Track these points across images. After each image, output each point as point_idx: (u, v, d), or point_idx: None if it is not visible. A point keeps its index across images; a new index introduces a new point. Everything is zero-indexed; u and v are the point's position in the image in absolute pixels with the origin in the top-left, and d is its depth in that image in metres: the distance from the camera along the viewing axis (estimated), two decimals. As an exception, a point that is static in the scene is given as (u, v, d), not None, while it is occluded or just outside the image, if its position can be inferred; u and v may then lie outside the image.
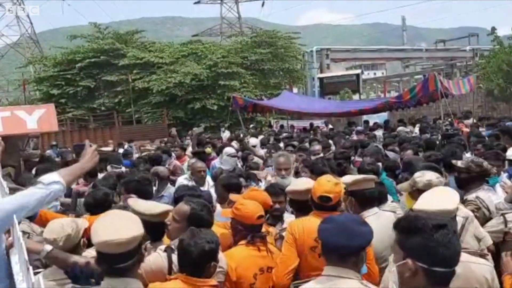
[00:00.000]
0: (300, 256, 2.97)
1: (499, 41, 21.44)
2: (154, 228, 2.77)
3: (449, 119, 12.82)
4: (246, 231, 2.95)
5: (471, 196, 3.59)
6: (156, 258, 2.55)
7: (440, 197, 2.56)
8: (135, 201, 3.04)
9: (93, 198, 3.62)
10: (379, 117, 16.71)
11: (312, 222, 2.96)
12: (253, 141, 9.20)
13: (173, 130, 15.71)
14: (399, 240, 1.79)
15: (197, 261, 2.34)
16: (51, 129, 7.44)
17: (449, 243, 1.69)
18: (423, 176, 3.28)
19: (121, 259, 2.00)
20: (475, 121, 13.37)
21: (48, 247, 2.40)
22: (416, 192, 3.30)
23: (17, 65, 40.73)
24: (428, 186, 3.18)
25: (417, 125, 12.86)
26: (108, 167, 6.84)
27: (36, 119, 6.43)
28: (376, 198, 3.43)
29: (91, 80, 25.76)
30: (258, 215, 2.92)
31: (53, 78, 25.92)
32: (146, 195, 3.95)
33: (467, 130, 10.39)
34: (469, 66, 34.35)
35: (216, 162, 7.31)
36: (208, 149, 9.06)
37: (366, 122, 15.58)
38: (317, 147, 7.71)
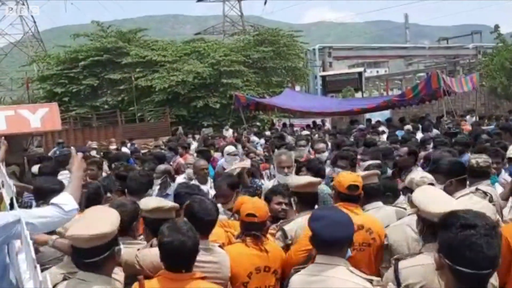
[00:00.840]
0: None
1: (502, 39, 21.39)
2: (152, 224, 2.80)
3: (451, 117, 12.82)
4: (240, 227, 3.04)
5: (471, 189, 3.64)
6: (156, 252, 2.57)
7: (442, 198, 2.58)
8: (145, 199, 3.16)
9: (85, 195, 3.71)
10: (382, 115, 16.69)
11: None
12: (254, 139, 9.24)
13: (180, 129, 15.80)
14: (438, 233, 1.78)
15: (184, 259, 2.33)
16: (54, 128, 7.51)
17: (474, 244, 1.61)
18: (409, 175, 3.62)
19: (90, 254, 2.12)
20: (477, 119, 13.36)
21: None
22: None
23: (20, 64, 40.78)
24: (410, 184, 3.36)
25: (409, 124, 12.48)
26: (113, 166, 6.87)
27: (40, 118, 6.49)
28: (380, 192, 3.59)
29: (94, 79, 25.85)
30: (246, 213, 2.94)
31: (57, 76, 26.03)
32: (137, 191, 4.01)
33: (469, 128, 10.40)
34: (472, 64, 34.32)
35: (222, 163, 7.28)
36: (212, 151, 9.08)
37: (369, 120, 15.60)
38: (321, 145, 7.75)
